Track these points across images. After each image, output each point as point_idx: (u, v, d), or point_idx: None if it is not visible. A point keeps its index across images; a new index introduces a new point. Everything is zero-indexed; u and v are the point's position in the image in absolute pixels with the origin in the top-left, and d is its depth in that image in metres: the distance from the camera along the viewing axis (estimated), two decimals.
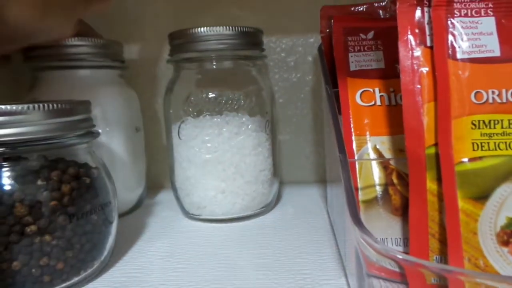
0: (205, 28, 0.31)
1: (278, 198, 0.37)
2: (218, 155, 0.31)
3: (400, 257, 0.16)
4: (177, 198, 0.35)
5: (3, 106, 0.20)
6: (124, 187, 0.35)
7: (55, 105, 0.22)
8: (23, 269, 0.20)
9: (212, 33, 0.31)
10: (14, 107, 0.21)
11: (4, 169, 0.21)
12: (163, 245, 0.29)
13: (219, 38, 0.31)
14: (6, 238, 0.20)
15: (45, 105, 0.22)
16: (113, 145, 0.34)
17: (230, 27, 0.31)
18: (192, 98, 0.31)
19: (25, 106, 0.21)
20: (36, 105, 0.21)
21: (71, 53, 0.32)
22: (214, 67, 0.32)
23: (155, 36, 0.42)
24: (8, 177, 0.21)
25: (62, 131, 0.22)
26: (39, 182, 0.21)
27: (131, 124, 0.36)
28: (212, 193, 0.32)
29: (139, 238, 0.30)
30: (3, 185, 0.20)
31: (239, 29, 0.31)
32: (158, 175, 0.44)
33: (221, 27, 0.31)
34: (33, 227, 0.20)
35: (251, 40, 0.33)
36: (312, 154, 0.44)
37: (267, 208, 0.35)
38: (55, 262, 0.21)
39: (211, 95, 0.31)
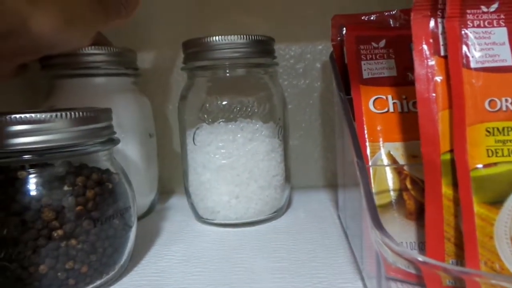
0: (219, 36, 0.32)
1: (288, 203, 0.38)
2: (233, 161, 0.32)
3: (420, 259, 0.16)
4: (191, 203, 0.35)
5: (30, 115, 0.21)
6: (138, 192, 0.35)
7: (79, 113, 0.23)
8: (49, 272, 0.21)
9: (226, 41, 0.32)
10: (40, 115, 0.21)
11: (31, 176, 0.21)
12: (179, 249, 0.30)
13: (232, 47, 0.32)
14: (34, 242, 0.20)
15: (70, 113, 0.22)
16: (127, 151, 0.34)
17: (244, 36, 0.32)
18: (207, 105, 0.32)
19: (51, 114, 0.22)
20: (61, 113, 0.22)
21: (87, 62, 0.33)
22: (228, 74, 0.33)
23: (166, 43, 0.43)
24: (36, 183, 0.21)
25: (86, 138, 0.23)
26: (65, 188, 0.22)
27: (144, 131, 0.36)
28: (226, 198, 0.32)
29: (155, 243, 0.31)
30: (31, 190, 0.21)
31: (252, 38, 0.32)
32: (169, 181, 0.44)
33: (235, 35, 0.32)
34: (59, 232, 0.21)
35: (263, 48, 0.33)
36: (320, 159, 0.45)
37: (279, 212, 0.35)
38: (80, 265, 0.22)
39: (225, 102, 0.32)
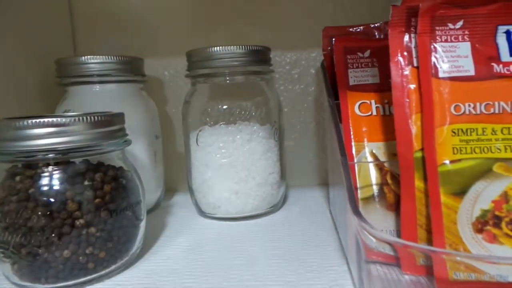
0: (219, 47, 0.35)
1: (284, 199, 0.41)
2: (232, 160, 0.35)
3: (392, 240, 0.19)
4: (194, 199, 0.38)
5: (54, 119, 0.24)
6: (145, 189, 0.38)
7: (97, 117, 0.26)
8: (72, 256, 0.24)
9: (226, 51, 0.35)
10: (63, 119, 0.24)
11: (56, 172, 0.24)
12: (184, 240, 0.33)
13: (232, 56, 0.35)
14: (60, 229, 0.23)
15: (89, 117, 0.25)
16: (136, 151, 0.37)
17: (242, 46, 0.35)
18: (209, 110, 0.35)
19: (72, 118, 0.25)
20: (81, 117, 0.25)
21: (98, 69, 0.36)
22: (228, 81, 0.36)
23: (170, 52, 0.46)
24: (60, 178, 0.24)
25: (103, 139, 0.26)
26: (86, 183, 0.25)
27: (151, 132, 0.39)
28: (226, 194, 0.35)
29: (162, 235, 0.34)
30: (57, 184, 0.24)
31: (250, 48, 0.35)
32: (173, 179, 0.47)
33: (234, 46, 0.35)
34: (81, 221, 0.24)
35: (260, 57, 0.36)
36: (315, 158, 0.48)
37: (275, 207, 0.38)
38: (98, 251, 0.25)
39: (226, 106, 0.35)
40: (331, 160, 0.34)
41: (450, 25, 0.24)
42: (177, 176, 0.47)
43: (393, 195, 0.27)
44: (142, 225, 0.29)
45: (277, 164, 0.37)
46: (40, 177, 0.24)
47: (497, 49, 0.23)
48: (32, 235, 0.23)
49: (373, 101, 0.30)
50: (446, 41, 0.24)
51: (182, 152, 0.46)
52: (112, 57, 0.36)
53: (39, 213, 0.23)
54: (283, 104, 0.46)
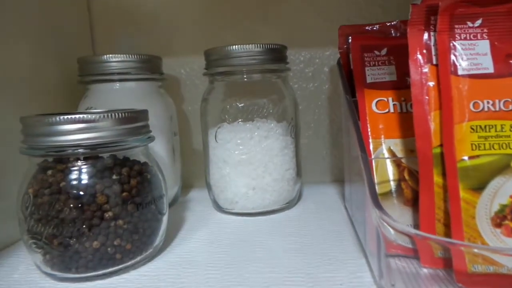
0: (237, 46, 0.35)
1: (299, 196, 0.42)
2: (250, 156, 0.36)
3: (413, 232, 0.20)
4: (212, 195, 0.39)
5: (83, 115, 0.25)
6: None
7: (123, 114, 0.27)
8: (101, 247, 0.25)
9: (243, 50, 0.35)
10: (92, 115, 0.25)
11: (85, 166, 0.25)
12: (203, 234, 0.33)
13: (249, 55, 0.36)
14: (90, 221, 0.24)
15: (116, 114, 0.26)
16: (155, 147, 0.38)
17: (259, 45, 0.36)
18: (227, 107, 0.36)
19: (101, 115, 0.26)
20: (109, 114, 0.26)
21: (118, 68, 0.37)
22: (245, 79, 0.37)
23: (187, 51, 0.47)
24: (89, 172, 0.25)
25: (129, 135, 0.27)
26: (114, 177, 0.26)
27: (170, 129, 0.40)
28: (244, 190, 0.36)
29: (182, 229, 0.35)
30: (87, 178, 0.25)
31: (267, 46, 0.36)
32: (189, 176, 0.48)
33: (252, 44, 0.35)
34: (110, 213, 0.25)
35: (277, 55, 0.37)
36: (328, 156, 0.49)
37: (291, 203, 0.39)
38: (125, 243, 0.26)
39: (243, 104, 0.36)
40: (348, 156, 0.34)
41: (469, 23, 0.24)
42: (193, 172, 0.48)
43: (410, 191, 0.28)
44: (165, 219, 0.30)
45: (293, 160, 0.38)
46: (70, 171, 0.25)
47: None
48: (64, 226, 0.24)
49: (390, 99, 0.30)
50: (465, 39, 0.24)
51: (198, 149, 0.47)
52: (132, 56, 0.37)
53: (71, 205, 0.24)
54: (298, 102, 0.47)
